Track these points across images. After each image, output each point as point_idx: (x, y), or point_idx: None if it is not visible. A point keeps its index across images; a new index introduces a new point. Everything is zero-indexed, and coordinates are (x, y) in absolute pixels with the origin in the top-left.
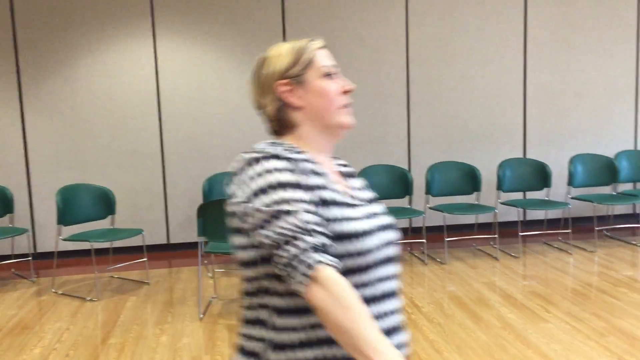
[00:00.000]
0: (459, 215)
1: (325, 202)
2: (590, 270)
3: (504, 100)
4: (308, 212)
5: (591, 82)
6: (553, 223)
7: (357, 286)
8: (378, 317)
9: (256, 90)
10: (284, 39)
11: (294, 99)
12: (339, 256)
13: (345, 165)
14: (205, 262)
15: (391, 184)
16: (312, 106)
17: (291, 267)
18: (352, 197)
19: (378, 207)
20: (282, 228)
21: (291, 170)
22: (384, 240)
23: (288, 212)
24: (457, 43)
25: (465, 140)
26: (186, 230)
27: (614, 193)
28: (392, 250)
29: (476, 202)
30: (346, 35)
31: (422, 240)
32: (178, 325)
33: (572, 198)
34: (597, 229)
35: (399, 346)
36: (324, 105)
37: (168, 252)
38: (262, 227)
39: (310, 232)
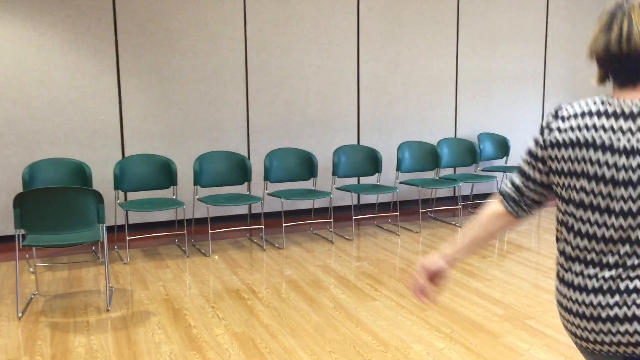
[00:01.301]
0: (297, 201)
1: None
2: (416, 250)
3: (340, 89)
4: None
5: (417, 74)
6: (384, 206)
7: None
8: None
9: None
10: (114, 16)
11: None
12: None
13: None
14: (27, 256)
15: (229, 170)
16: None
17: None
18: None
19: None
20: None
21: None
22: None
23: None
24: (295, 31)
25: (302, 127)
26: (4, 222)
27: (437, 177)
28: None
29: (313, 188)
30: (182, 18)
31: (261, 226)
32: None
33: (400, 183)
34: (421, 211)
35: None
36: None
37: None
38: None
39: None
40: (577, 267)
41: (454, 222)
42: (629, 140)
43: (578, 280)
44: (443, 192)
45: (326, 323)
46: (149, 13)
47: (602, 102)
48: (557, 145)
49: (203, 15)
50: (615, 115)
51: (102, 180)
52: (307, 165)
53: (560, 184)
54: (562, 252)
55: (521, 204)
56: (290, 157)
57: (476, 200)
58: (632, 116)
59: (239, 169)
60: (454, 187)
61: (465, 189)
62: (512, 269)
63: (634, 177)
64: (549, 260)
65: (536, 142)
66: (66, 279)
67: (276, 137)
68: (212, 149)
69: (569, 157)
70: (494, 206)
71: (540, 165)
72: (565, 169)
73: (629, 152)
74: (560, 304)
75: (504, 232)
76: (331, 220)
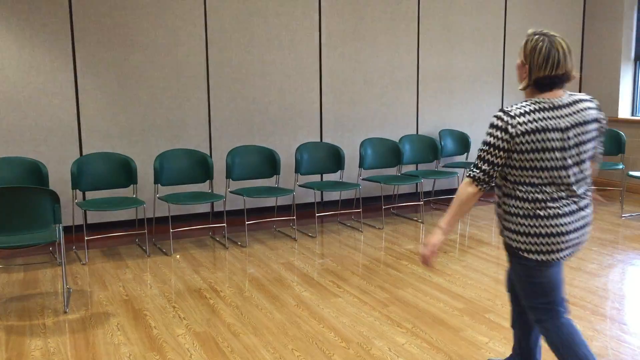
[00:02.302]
0: (259, 199)
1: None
2: (378, 246)
3: (302, 86)
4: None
5: (379, 71)
6: (347, 203)
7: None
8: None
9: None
10: (70, 12)
11: None
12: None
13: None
14: None
15: (191, 168)
16: None
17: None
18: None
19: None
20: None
21: None
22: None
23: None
24: (256, 28)
25: (264, 125)
26: None
27: (399, 174)
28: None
29: (276, 185)
30: (141, 13)
31: (223, 225)
32: None
33: (363, 179)
34: (384, 207)
35: None
36: None
37: None
38: None
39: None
40: (561, 202)
41: (416, 218)
42: (566, 121)
43: (569, 209)
44: (405, 188)
45: (289, 321)
46: (106, 8)
47: (536, 102)
48: (523, 134)
49: (162, 11)
50: (553, 108)
51: (60, 179)
52: (269, 163)
53: (527, 159)
54: (536, 200)
55: (490, 182)
56: (253, 154)
57: (438, 196)
58: (562, 106)
59: (201, 167)
60: (416, 184)
61: (427, 185)
62: (472, 264)
63: (573, 142)
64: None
65: (499, 138)
66: (22, 280)
67: (238, 135)
68: (173, 146)
69: (536, 140)
70: (469, 188)
71: (502, 153)
72: (534, 147)
73: (569, 128)
74: (559, 232)
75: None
76: (294, 217)
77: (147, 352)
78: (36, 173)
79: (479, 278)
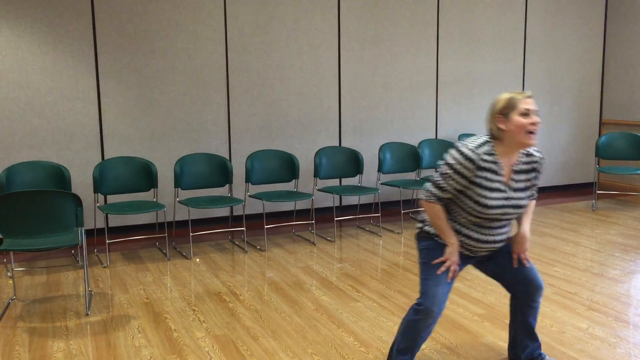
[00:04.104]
0: (278, 203)
1: (473, 183)
2: (397, 251)
3: (321, 90)
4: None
5: (398, 75)
6: (365, 207)
7: (471, 216)
8: (468, 235)
9: (490, 119)
10: (93, 18)
11: (502, 125)
12: (470, 207)
13: (526, 162)
14: (5, 260)
15: (210, 172)
16: (511, 130)
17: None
18: (502, 183)
19: (515, 193)
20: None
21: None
22: (499, 211)
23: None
24: (275, 33)
25: (284, 129)
26: None
27: (418, 178)
28: (505, 216)
29: (295, 190)
30: (162, 19)
31: (242, 229)
32: None
33: (382, 184)
34: (403, 212)
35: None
36: (517, 130)
37: None
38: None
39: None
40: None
41: None
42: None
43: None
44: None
45: (308, 325)
46: (128, 14)
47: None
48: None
49: (183, 16)
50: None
51: (81, 183)
52: (288, 167)
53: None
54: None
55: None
56: (272, 158)
57: None
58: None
59: (220, 171)
60: None
61: None
62: None
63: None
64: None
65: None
66: (45, 283)
67: (257, 139)
68: (193, 151)
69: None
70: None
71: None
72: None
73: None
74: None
75: None
76: (313, 221)
77: (168, 354)
78: (59, 177)
79: (498, 283)
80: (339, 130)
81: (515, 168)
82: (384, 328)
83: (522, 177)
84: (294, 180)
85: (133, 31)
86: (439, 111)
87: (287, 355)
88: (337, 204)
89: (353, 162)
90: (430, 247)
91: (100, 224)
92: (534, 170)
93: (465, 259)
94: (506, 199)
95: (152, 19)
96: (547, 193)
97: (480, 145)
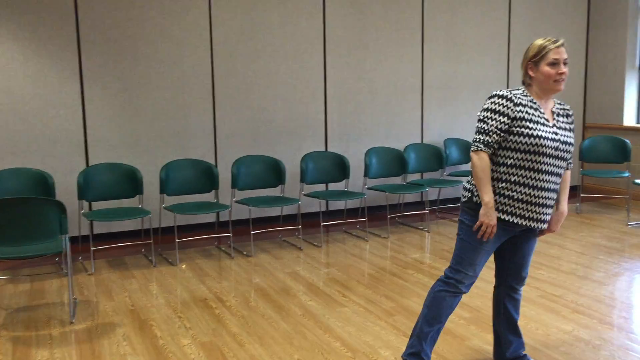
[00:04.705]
0: (265, 208)
1: (516, 118)
2: (384, 255)
3: (307, 95)
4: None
5: (383, 81)
6: (352, 212)
7: (525, 160)
8: (525, 184)
9: (522, 64)
10: (77, 24)
11: (531, 72)
12: (523, 143)
13: (562, 109)
14: None
15: (196, 178)
16: (539, 78)
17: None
18: (545, 119)
19: (562, 131)
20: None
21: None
22: (552, 144)
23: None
24: (260, 38)
25: (270, 134)
26: None
27: (404, 183)
28: (558, 151)
29: (281, 195)
30: (147, 25)
31: (229, 234)
32: None
33: (368, 188)
34: (389, 216)
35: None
36: (544, 79)
37: None
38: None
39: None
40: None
41: (421, 227)
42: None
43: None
44: (410, 197)
45: (294, 330)
46: (112, 20)
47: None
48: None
49: (168, 22)
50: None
51: (66, 190)
52: (274, 172)
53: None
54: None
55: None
56: (258, 164)
57: (443, 205)
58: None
59: (206, 177)
60: (421, 192)
61: (432, 193)
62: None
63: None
64: None
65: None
66: (28, 291)
67: (243, 145)
68: (179, 156)
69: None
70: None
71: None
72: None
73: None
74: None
75: None
76: (299, 227)
77: None
78: (42, 184)
79: (485, 287)
80: (325, 135)
81: (554, 110)
82: (371, 333)
83: (563, 119)
84: (280, 186)
85: (118, 37)
86: (424, 116)
87: None
88: (323, 209)
89: (339, 167)
90: (472, 224)
91: (85, 231)
92: (569, 115)
93: (508, 232)
94: (555, 133)
95: (137, 25)
96: None
97: (512, 90)
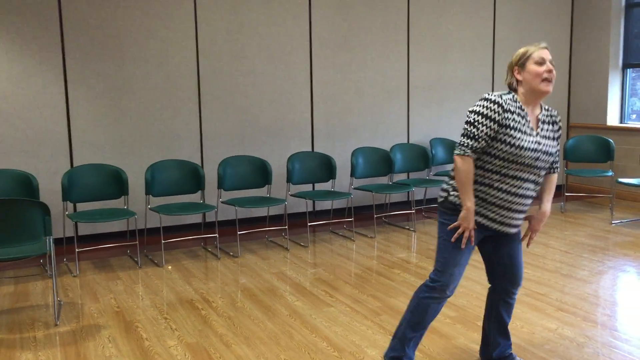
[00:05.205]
0: (251, 209)
1: (504, 125)
2: (370, 255)
3: (293, 96)
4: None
5: (369, 81)
6: (339, 212)
7: (503, 167)
8: (499, 188)
9: (508, 71)
10: (61, 24)
11: (519, 76)
12: (504, 151)
13: (548, 116)
14: None
15: (182, 179)
16: (527, 78)
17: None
18: (530, 128)
19: (545, 140)
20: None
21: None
22: (533, 154)
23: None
24: (246, 39)
25: (256, 135)
26: None
27: (390, 183)
28: (538, 162)
29: (267, 195)
30: (131, 25)
31: (215, 235)
32: None
33: (355, 188)
34: (376, 216)
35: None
36: (532, 78)
37: None
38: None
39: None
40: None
41: (408, 227)
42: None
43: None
44: (397, 197)
45: (281, 331)
46: (97, 20)
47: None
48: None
49: (153, 22)
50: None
51: (50, 191)
52: (261, 173)
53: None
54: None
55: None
56: (244, 164)
57: (430, 205)
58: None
59: (192, 178)
60: (408, 192)
61: (418, 193)
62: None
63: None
64: None
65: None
66: (12, 293)
67: (230, 145)
68: (164, 157)
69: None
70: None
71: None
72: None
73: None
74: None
75: None
76: (286, 227)
77: None
78: (26, 185)
79: (471, 286)
80: (311, 135)
81: (540, 117)
82: (357, 332)
83: (547, 127)
84: (266, 186)
85: (102, 37)
86: (410, 116)
87: None
88: (310, 209)
89: (326, 167)
90: (451, 223)
91: (70, 232)
92: (555, 123)
93: (480, 232)
94: (537, 143)
95: (122, 25)
96: None
97: (503, 95)
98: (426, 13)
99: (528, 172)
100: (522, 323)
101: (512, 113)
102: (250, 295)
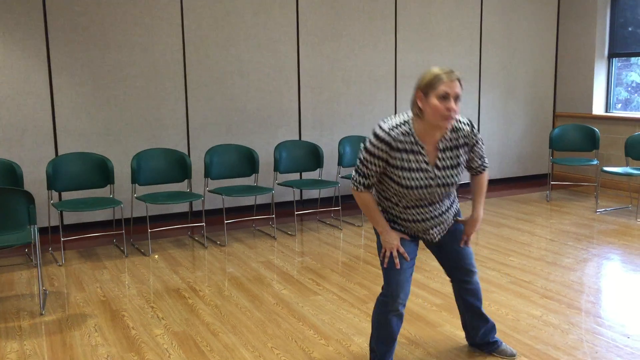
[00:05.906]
0: (238, 198)
1: (390, 164)
2: (358, 244)
3: (280, 84)
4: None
5: (357, 69)
6: (326, 201)
7: (396, 198)
8: (398, 215)
9: (413, 91)
10: (44, 11)
11: (420, 103)
12: (393, 187)
13: (454, 139)
14: None
15: (169, 167)
16: (427, 111)
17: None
18: (425, 163)
19: (442, 171)
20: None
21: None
22: (424, 191)
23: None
24: (233, 27)
25: (243, 123)
26: None
27: None
28: (433, 195)
29: (255, 184)
30: (116, 12)
31: (202, 224)
32: None
33: (342, 177)
34: None
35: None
36: (432, 113)
37: None
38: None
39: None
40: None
41: None
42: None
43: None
44: None
45: (268, 319)
46: (81, 6)
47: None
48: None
49: (138, 9)
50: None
51: (35, 180)
52: (248, 162)
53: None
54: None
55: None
56: (231, 153)
57: None
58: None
59: (179, 166)
60: None
61: None
62: None
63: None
64: (485, 250)
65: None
66: None
67: (216, 134)
68: (151, 146)
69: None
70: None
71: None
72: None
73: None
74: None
75: None
76: (273, 216)
77: (125, 352)
78: (10, 174)
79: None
80: (298, 124)
81: (440, 146)
82: (344, 320)
83: (449, 154)
84: (254, 175)
85: (86, 24)
86: (397, 105)
87: (248, 350)
88: (297, 198)
89: (313, 156)
90: (381, 245)
91: (55, 221)
92: (465, 144)
93: (414, 239)
94: (432, 178)
95: (106, 12)
96: (503, 184)
97: (397, 126)
98: (413, 2)
99: (426, 200)
100: (507, 310)
101: (401, 151)
102: (237, 284)
